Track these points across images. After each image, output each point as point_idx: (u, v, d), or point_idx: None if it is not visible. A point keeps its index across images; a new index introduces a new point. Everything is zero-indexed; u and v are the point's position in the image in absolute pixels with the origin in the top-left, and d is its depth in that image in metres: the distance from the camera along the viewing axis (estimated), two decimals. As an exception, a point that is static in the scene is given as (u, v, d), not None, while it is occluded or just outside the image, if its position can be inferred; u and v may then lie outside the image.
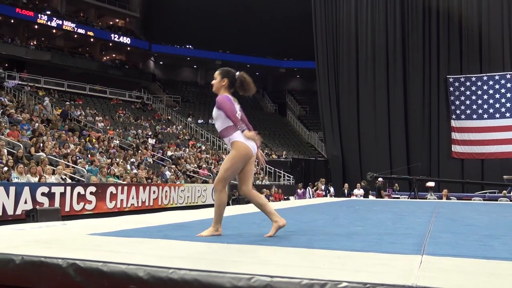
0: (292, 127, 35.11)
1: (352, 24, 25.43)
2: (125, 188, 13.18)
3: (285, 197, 19.17)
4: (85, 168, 13.94)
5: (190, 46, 39.35)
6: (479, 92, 23.39)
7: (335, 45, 25.73)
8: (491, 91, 23.22)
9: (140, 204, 13.65)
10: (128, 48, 37.06)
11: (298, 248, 3.34)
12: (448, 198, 16.00)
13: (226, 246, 3.36)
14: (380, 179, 18.30)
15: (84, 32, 33.59)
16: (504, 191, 17.62)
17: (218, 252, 3.11)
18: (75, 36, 33.71)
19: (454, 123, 23.53)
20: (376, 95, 24.67)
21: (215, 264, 2.57)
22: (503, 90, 23.03)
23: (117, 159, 16.66)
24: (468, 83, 23.53)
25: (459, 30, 23.76)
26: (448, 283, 2.25)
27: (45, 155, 13.34)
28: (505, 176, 18.88)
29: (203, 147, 25.66)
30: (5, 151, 12.44)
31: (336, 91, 25.58)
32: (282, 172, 24.84)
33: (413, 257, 2.97)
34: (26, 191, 10.23)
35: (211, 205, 4.81)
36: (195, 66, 40.98)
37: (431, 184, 17.72)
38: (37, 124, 17.29)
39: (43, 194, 10.59)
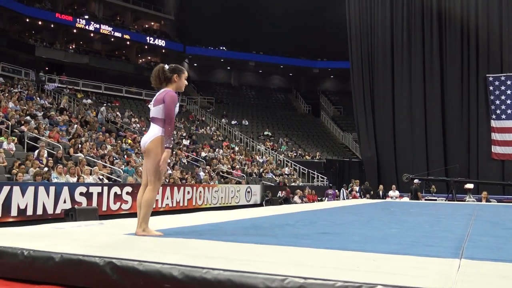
0: (326, 128, 34.87)
1: (387, 23, 25.06)
2: (160, 188, 13.37)
3: (319, 198, 19.06)
4: (121, 169, 14.23)
5: (224, 48, 39.62)
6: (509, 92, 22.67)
7: (369, 45, 25.42)
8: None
9: (174, 204, 13.83)
10: (163, 51, 37.65)
11: (333, 250, 3.31)
12: (487, 201, 15.56)
13: (259, 247, 3.36)
14: (416, 180, 17.96)
15: (120, 36, 34.32)
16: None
17: (251, 253, 3.12)
18: (112, 39, 34.49)
19: (494, 123, 22.85)
20: (412, 95, 24.22)
21: (248, 265, 2.58)
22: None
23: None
24: (509, 82, 22.80)
25: (499, 28, 23.07)
26: (487, 288, 2.19)
27: (83, 156, 13.69)
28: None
29: (237, 148, 25.78)
30: (45, 152, 12.82)
31: (370, 92, 25.26)
32: (315, 173, 24.70)
33: (451, 261, 2.90)
34: (65, 191, 10.52)
35: (244, 206, 4.82)
36: (228, 68, 41.25)
37: (469, 186, 17.27)
38: (75, 125, 17.76)
39: (81, 194, 10.88)
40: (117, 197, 11.85)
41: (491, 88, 23.00)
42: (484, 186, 18.94)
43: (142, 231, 3.78)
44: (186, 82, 4.02)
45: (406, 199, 16.98)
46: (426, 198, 17.62)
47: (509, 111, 22.75)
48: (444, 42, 23.91)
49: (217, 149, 23.81)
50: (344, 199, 17.92)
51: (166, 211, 12.61)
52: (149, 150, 3.78)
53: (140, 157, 16.78)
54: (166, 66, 3.95)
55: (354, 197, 18.16)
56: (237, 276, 2.41)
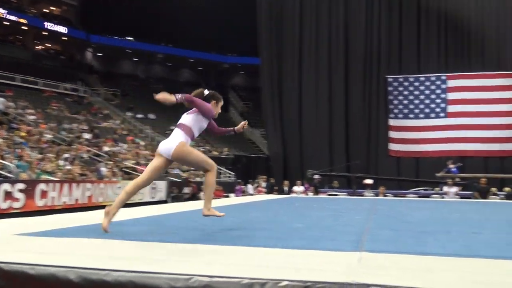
0: (235, 124, 34.87)
1: (296, 21, 25.71)
2: (57, 185, 12.67)
3: (225, 195, 19.13)
4: (13, 164, 13.25)
5: (131, 38, 38.41)
6: (416, 92, 24.35)
7: (279, 41, 25.92)
8: (427, 92, 24.23)
9: (73, 202, 13.17)
10: (64, 38, 35.63)
11: (238, 246, 3.31)
12: (384, 195, 16.55)
13: (165, 245, 3.27)
14: (316, 176, 18.63)
15: (16, 19, 31.95)
16: (437, 188, 18.45)
17: (155, 252, 3.03)
18: (6, 23, 31.99)
19: (391, 122, 24.36)
20: (318, 93, 25.11)
21: (151, 265, 2.49)
22: (438, 91, 24.09)
23: (49, 155, 15.96)
24: (406, 83, 24.45)
25: (398, 31, 24.60)
26: (387, 279, 2.30)
27: (-31, 149, 12.56)
28: (437, 174, 19.80)
29: (142, 143, 25.13)
30: None
31: (279, 88, 25.80)
32: (223, 169, 24.79)
33: (352, 254, 3.02)
34: None
35: (149, 203, 4.72)
36: (135, 59, 40.05)
37: (369, 181, 18.24)
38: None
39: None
40: (8, 195, 11.02)
41: (390, 88, 24.51)
42: (381, 182, 20.12)
43: (208, 210, 4.22)
44: (220, 110, 4.46)
45: (310, 194, 17.57)
46: (329, 193, 18.35)
47: (405, 111, 24.39)
48: (350, 43, 25.00)
49: (121, 144, 23.02)
50: (251, 195, 18.16)
51: (64, 209, 11.95)
52: (180, 156, 4.12)
53: (36, 151, 15.75)
54: (206, 91, 4.40)
55: (260, 192, 18.47)
56: (140, 277, 2.32)
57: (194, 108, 4.21)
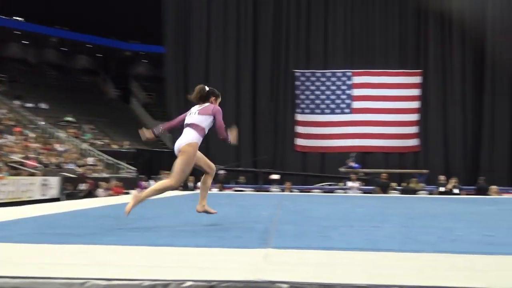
0: (136, 116, 34.25)
1: (204, 12, 25.55)
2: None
3: (125, 191, 18.60)
4: None
5: (21, 19, 35.92)
6: (323, 88, 25.34)
7: (185, 31, 25.62)
8: (333, 87, 25.31)
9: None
10: None
11: (140, 246, 3.24)
12: (291, 191, 17.05)
13: (56, 247, 3.11)
14: (221, 171, 18.73)
15: None
16: (341, 183, 19.36)
17: (47, 255, 2.87)
18: None
19: (299, 117, 25.13)
20: (225, 86, 25.13)
21: (43, 269, 2.36)
22: (344, 87, 25.25)
23: None
24: (313, 78, 25.34)
25: (307, 26, 25.38)
26: (292, 275, 2.36)
27: None
28: (341, 169, 20.76)
29: (32, 135, 23.67)
30: None
31: (184, 80, 25.51)
32: (123, 163, 24.08)
33: (258, 251, 3.07)
34: None
35: (39, 201, 4.48)
36: (25, 42, 37.53)
37: (275, 176, 18.67)
38: None
39: None
40: None
41: (297, 83, 25.26)
42: (288, 177, 20.70)
43: (202, 207, 4.85)
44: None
45: (214, 190, 17.60)
46: (235, 189, 18.54)
47: (312, 106, 25.27)
48: (258, 35, 25.37)
49: (7, 136, 21.51)
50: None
51: None
52: (183, 150, 4.58)
53: None
54: (206, 88, 4.93)
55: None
56: (28, 283, 2.18)
57: (206, 109, 4.73)
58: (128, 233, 4.04)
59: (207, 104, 4.82)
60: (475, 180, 19.86)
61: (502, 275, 2.50)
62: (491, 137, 24.47)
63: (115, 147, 26.34)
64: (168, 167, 19.19)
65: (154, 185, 4.77)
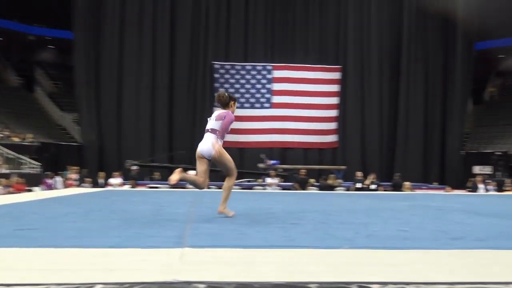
0: (41, 106, 32.62)
1: (117, -1, 24.83)
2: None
3: (27, 188, 17.71)
4: None
5: None
6: (243, 81, 25.54)
7: (97, 17, 24.72)
8: (253, 81, 25.59)
9: None
10: None
11: (43, 248, 3.10)
12: (208, 187, 17.01)
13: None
14: (134, 167, 18.37)
15: None
16: (259, 180, 19.63)
17: None
18: None
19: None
20: (141, 76, 24.65)
21: None
22: (264, 81, 25.59)
23: None
24: (233, 71, 25.45)
25: (226, 16, 25.39)
26: (209, 275, 2.37)
27: None
28: (259, 165, 21.05)
29: None
30: None
31: (96, 68, 24.67)
32: (26, 158, 22.88)
33: (174, 251, 3.05)
34: None
35: None
36: None
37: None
38: None
39: None
40: None
41: (216, 75, 25.25)
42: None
43: (223, 208, 5.54)
44: (236, 109, 5.77)
45: (127, 187, 17.23)
46: (150, 186, 18.24)
47: (231, 100, 25.40)
48: (176, 24, 25.02)
49: None
50: (59, 188, 17.13)
51: None
52: (218, 157, 5.48)
53: None
54: (226, 93, 5.64)
55: (71, 185, 17.53)
56: None
57: (220, 115, 5.49)
58: (31, 234, 3.85)
59: (222, 110, 5.59)
60: (391, 176, 20.94)
61: (417, 269, 2.65)
62: (406, 135, 25.96)
63: (16, 140, 24.94)
64: (76, 162, 18.47)
65: (225, 186, 5.69)
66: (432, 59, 26.62)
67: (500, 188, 19.43)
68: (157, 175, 20.63)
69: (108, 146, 24.39)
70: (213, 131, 5.54)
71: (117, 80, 24.58)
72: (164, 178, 20.75)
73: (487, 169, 24.47)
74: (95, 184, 17.93)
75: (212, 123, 5.57)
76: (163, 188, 16.58)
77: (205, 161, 5.57)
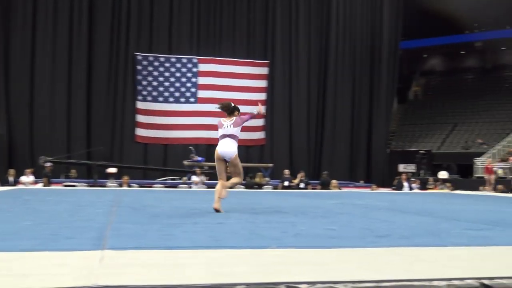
0: None
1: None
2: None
3: None
4: None
5: None
6: (167, 74, 25.14)
7: (6, 2, 23.44)
8: (178, 74, 25.26)
9: None
10: None
11: None
12: (129, 186, 16.73)
13: None
14: (48, 164, 17.74)
15: None
16: (185, 178, 19.51)
17: None
18: None
19: (139, 105, 24.61)
20: (55, 68, 23.65)
21: None
22: (189, 74, 25.35)
23: None
24: (156, 63, 24.98)
25: (150, 4, 24.84)
26: (131, 278, 2.33)
27: None
28: (185, 162, 20.92)
29: None
30: None
31: (5, 56, 23.39)
32: None
33: (93, 253, 2.98)
34: None
35: None
36: None
37: (112, 170, 18.16)
38: None
39: None
40: None
41: (139, 67, 24.72)
42: (126, 170, 20.25)
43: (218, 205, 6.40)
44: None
45: (40, 185, 16.58)
46: (66, 184, 17.65)
47: (155, 93, 24.94)
48: (94, 12, 24.18)
49: None
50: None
51: None
52: (234, 160, 6.58)
53: None
54: (232, 104, 6.86)
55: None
56: None
57: (236, 122, 6.62)
58: None
59: (234, 118, 6.67)
60: (319, 174, 21.48)
61: (344, 268, 2.74)
62: (333, 133, 26.72)
63: None
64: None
65: (232, 181, 6.75)
66: (359, 57, 27.55)
67: (423, 186, 20.47)
68: (73, 172, 20.01)
69: (19, 142, 23.25)
70: (233, 137, 6.59)
71: (29, 70, 23.45)
72: (81, 176, 20.17)
73: (411, 167, 25.64)
74: (4, 183, 17.11)
75: (230, 129, 6.60)
76: (81, 187, 16.08)
77: (224, 162, 6.63)
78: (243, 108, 24.64)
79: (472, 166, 25.29)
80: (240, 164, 6.71)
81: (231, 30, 26.06)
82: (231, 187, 6.92)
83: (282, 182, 18.71)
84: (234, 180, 6.76)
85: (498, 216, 6.95)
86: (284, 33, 26.52)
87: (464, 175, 26.20)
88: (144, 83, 24.84)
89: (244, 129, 25.55)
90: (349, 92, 27.26)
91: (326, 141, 26.60)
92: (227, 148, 6.52)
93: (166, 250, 3.21)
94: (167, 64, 25.12)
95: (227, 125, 6.60)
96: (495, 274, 2.58)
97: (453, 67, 39.15)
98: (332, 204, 8.77)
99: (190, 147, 21.27)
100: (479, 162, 24.83)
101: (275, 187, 18.21)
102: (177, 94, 25.22)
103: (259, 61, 26.15)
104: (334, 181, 18.34)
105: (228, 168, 6.74)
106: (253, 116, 7.27)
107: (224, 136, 6.58)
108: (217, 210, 6.30)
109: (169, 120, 24.83)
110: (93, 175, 18.14)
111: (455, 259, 3.16)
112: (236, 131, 6.60)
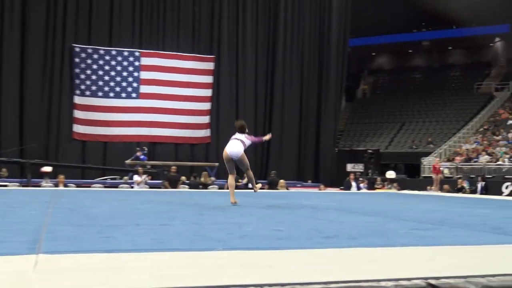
0: None
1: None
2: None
3: None
4: None
5: None
6: (107, 68, 24.61)
7: None
8: (119, 68, 24.77)
9: None
10: None
11: None
12: (65, 185, 16.34)
13: None
14: None
15: None
16: (126, 177, 19.23)
17: None
18: None
19: (77, 100, 24.01)
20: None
21: None
22: (131, 68, 24.92)
23: None
24: (96, 56, 24.40)
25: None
26: (68, 284, 2.29)
27: None
28: (127, 161, 20.63)
29: None
30: None
31: None
32: None
33: (27, 258, 2.90)
34: None
35: None
36: None
37: (47, 169, 17.72)
38: None
39: None
40: None
41: (77, 60, 24.09)
42: (63, 169, 19.75)
43: (255, 187, 8.81)
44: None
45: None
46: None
47: (94, 88, 24.38)
48: (28, 4, 23.32)
49: None
50: None
51: None
52: (241, 158, 8.13)
53: None
54: (245, 126, 8.47)
55: None
56: None
57: (245, 137, 8.19)
58: None
59: (245, 134, 8.27)
60: (267, 173, 21.62)
61: (292, 269, 2.78)
62: (281, 132, 26.92)
63: None
64: None
65: (248, 175, 8.62)
66: (308, 54, 27.90)
67: (371, 186, 20.97)
68: (4, 171, 19.35)
69: None
70: (241, 141, 8.09)
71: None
72: (13, 175, 19.49)
73: (359, 167, 26.20)
74: None
75: (240, 136, 8.17)
76: (13, 187, 15.55)
77: (232, 160, 8.11)
78: (188, 105, 24.54)
79: (420, 166, 26.10)
80: (246, 159, 8.22)
81: (176, 22, 25.80)
82: (251, 180, 8.70)
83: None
84: (248, 174, 8.48)
85: (444, 215, 7.21)
86: (231, 28, 26.51)
87: (412, 175, 27.02)
88: (82, 76, 24.27)
89: (189, 126, 25.71)
90: (297, 90, 27.56)
91: (274, 140, 26.77)
92: (235, 148, 7.99)
93: (106, 253, 3.16)
94: (107, 57, 24.63)
95: (238, 136, 8.17)
96: (442, 274, 2.67)
97: (401, 66, 40.34)
98: (280, 204, 8.85)
99: (144, 147, 21.11)
100: (426, 162, 25.66)
101: (221, 187, 18.21)
102: (117, 88, 24.77)
103: (205, 56, 26.06)
104: (281, 181, 18.51)
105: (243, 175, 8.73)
106: (260, 141, 9.01)
107: (233, 139, 8.15)
108: (235, 203, 7.91)
109: (109, 116, 24.36)
110: (27, 174, 17.59)
111: (402, 259, 3.26)
112: (244, 138, 8.13)
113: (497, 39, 38.32)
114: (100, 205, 7.70)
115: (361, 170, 25.70)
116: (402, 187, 20.52)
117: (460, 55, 39.84)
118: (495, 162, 23.99)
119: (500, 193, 20.19)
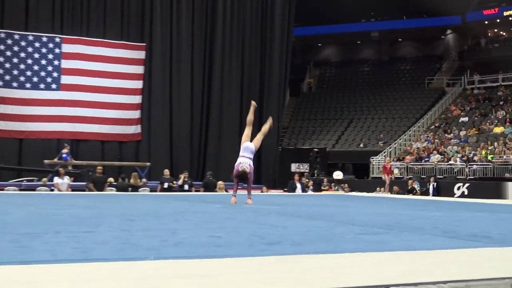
0: None
1: None
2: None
3: None
4: None
5: None
6: (23, 55, 23.88)
7: None
8: (37, 55, 24.09)
9: None
10: None
11: None
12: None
13: None
14: None
15: None
16: (44, 179, 18.75)
17: None
18: None
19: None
20: None
21: None
22: (50, 56, 24.28)
23: None
24: (9, 41, 23.66)
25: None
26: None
27: None
28: (46, 161, 20.11)
29: None
30: None
31: None
32: None
33: None
34: None
35: None
36: None
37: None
38: None
39: None
40: None
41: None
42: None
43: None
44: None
45: None
46: None
47: (7, 77, 23.51)
48: None
49: None
50: None
51: None
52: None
53: None
54: (247, 173, 10.17)
55: None
56: None
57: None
58: None
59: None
60: (204, 174, 21.56)
61: (232, 279, 2.78)
62: (219, 129, 26.79)
63: None
64: None
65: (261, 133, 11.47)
66: (249, 44, 27.84)
67: (318, 187, 21.28)
68: None
69: None
70: (249, 158, 10.31)
71: None
72: None
73: (304, 167, 26.48)
74: None
75: (247, 154, 10.34)
76: None
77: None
78: (116, 98, 24.27)
79: (369, 166, 26.65)
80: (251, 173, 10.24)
81: (102, 6, 25.28)
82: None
83: (162, 183, 18.56)
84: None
85: (394, 219, 7.39)
86: (164, 13, 26.18)
87: (360, 175, 27.56)
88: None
89: (117, 122, 25.46)
90: (238, 83, 27.51)
91: (212, 137, 26.69)
92: (244, 163, 10.11)
93: (21, 265, 3.07)
94: (23, 43, 23.93)
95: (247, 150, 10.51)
96: (391, 282, 2.74)
97: (349, 58, 41.06)
98: (218, 208, 8.85)
99: (65, 144, 20.68)
100: (376, 161, 26.25)
101: (152, 190, 18.04)
102: (35, 79, 24.09)
103: (135, 44, 25.69)
104: (220, 183, 18.52)
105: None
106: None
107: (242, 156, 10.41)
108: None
109: (25, 110, 23.66)
110: None
111: (349, 266, 3.31)
112: (251, 156, 10.52)
113: (448, 31, 39.69)
114: (15, 211, 7.48)
115: (307, 170, 25.95)
116: (351, 189, 20.94)
117: (410, 47, 40.99)
118: (447, 161, 24.77)
119: (452, 194, 20.85)
